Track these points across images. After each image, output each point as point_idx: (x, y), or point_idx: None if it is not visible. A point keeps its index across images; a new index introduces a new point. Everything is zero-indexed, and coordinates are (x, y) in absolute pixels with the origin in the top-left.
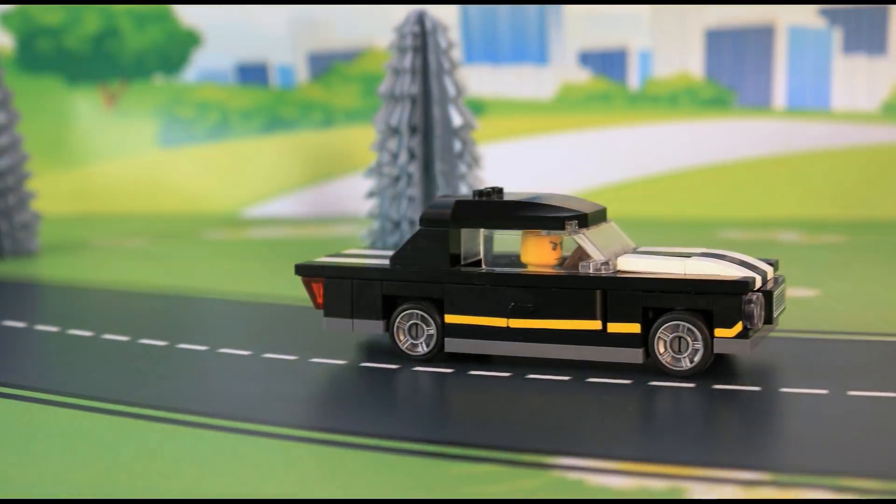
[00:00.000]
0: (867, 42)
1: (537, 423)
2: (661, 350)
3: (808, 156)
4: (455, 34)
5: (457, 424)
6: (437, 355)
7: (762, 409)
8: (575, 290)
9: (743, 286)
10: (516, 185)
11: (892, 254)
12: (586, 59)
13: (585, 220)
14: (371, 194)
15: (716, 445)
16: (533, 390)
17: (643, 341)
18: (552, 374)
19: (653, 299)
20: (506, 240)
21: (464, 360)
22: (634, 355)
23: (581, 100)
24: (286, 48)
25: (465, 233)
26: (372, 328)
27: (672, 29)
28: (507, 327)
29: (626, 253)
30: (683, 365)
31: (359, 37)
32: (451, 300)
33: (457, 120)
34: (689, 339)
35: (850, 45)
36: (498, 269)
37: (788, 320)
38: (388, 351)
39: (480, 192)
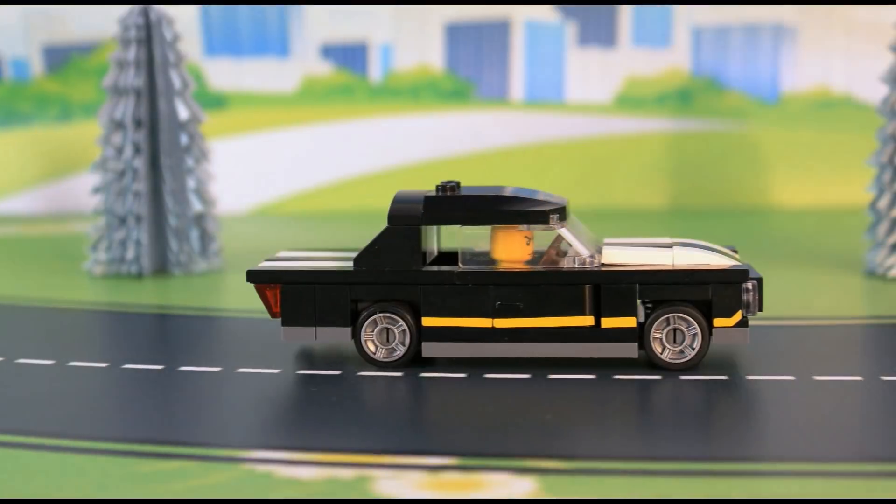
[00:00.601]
0: (599, 36)
1: (233, 417)
2: (657, 344)
3: (544, 146)
4: (194, 27)
5: (146, 423)
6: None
7: (453, 394)
8: (568, 286)
9: (743, 274)
10: (255, 180)
11: None
12: (328, 51)
13: (564, 213)
14: (97, 190)
15: (403, 433)
16: (241, 384)
17: (639, 336)
18: (263, 368)
19: (649, 292)
20: (455, 235)
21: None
22: (630, 350)
23: (323, 93)
24: (19, 40)
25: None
26: (338, 336)
27: (412, 22)
28: (492, 328)
29: (600, 246)
30: (682, 357)
31: (96, 29)
32: (429, 302)
33: (183, 114)
34: (685, 330)
35: (584, 39)
36: (482, 268)
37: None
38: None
39: (444, 187)
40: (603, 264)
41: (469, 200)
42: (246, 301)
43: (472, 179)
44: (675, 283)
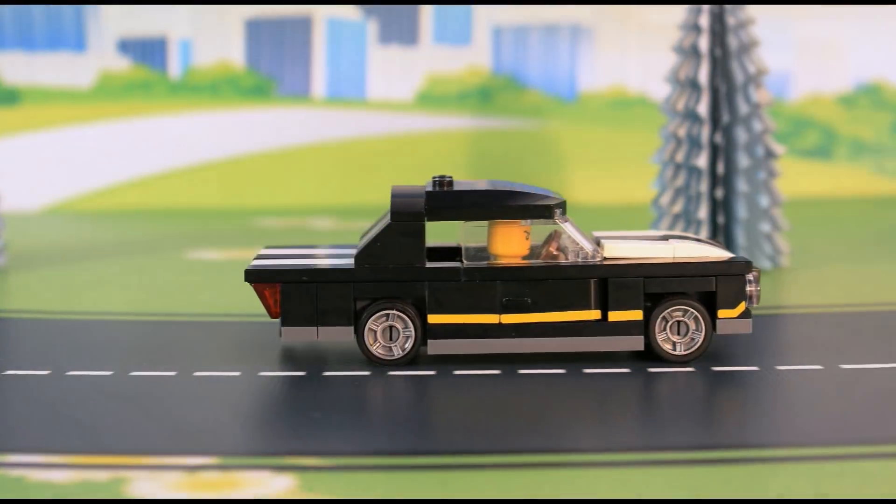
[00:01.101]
0: (401, 34)
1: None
2: (661, 336)
3: (346, 143)
4: None
5: None
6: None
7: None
8: (575, 280)
9: (746, 266)
10: (48, 178)
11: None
12: (126, 46)
13: (565, 208)
14: None
15: (155, 434)
16: (7, 386)
17: (644, 328)
18: (30, 370)
19: (655, 285)
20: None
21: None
22: (636, 343)
23: (121, 88)
24: None
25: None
26: (340, 335)
27: (211, 18)
28: (500, 323)
29: (597, 240)
30: (684, 350)
31: None
32: (436, 298)
33: None
34: (689, 322)
35: (385, 37)
36: (489, 264)
37: None
38: None
39: (441, 182)
40: (605, 258)
41: (473, 196)
42: (26, 301)
43: (270, 177)
44: (680, 275)
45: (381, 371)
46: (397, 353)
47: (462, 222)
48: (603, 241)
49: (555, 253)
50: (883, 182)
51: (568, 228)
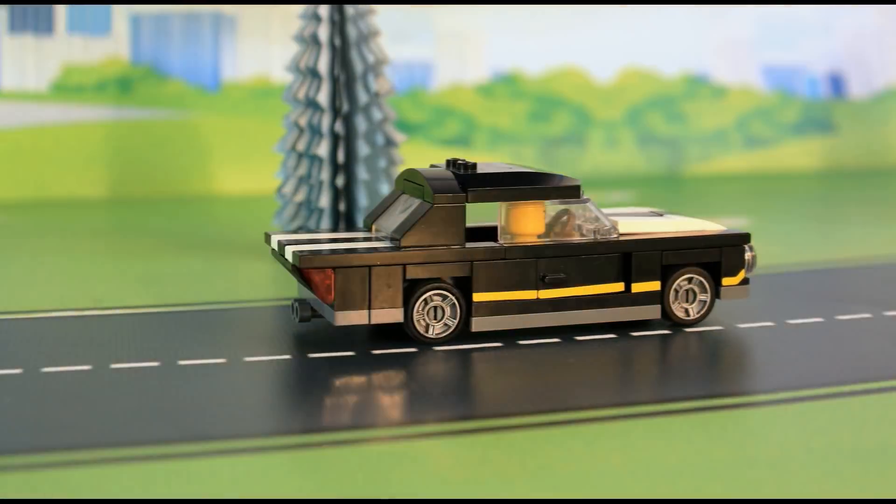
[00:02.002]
0: (34, 23)
1: None
2: (675, 304)
3: None
4: None
5: None
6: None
7: None
8: (603, 255)
9: (746, 238)
10: None
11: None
12: None
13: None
14: None
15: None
16: None
17: (661, 298)
18: None
19: (672, 257)
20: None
21: None
22: (654, 312)
23: None
24: None
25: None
26: (391, 317)
27: None
28: (537, 299)
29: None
30: (695, 314)
31: None
32: (480, 277)
33: None
34: (697, 290)
35: (16, 26)
36: (528, 242)
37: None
38: None
39: (455, 164)
40: (621, 234)
41: (511, 178)
42: None
43: None
44: (693, 247)
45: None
46: (442, 331)
47: (501, 203)
48: (620, 219)
49: (570, 231)
50: None
51: (592, 207)
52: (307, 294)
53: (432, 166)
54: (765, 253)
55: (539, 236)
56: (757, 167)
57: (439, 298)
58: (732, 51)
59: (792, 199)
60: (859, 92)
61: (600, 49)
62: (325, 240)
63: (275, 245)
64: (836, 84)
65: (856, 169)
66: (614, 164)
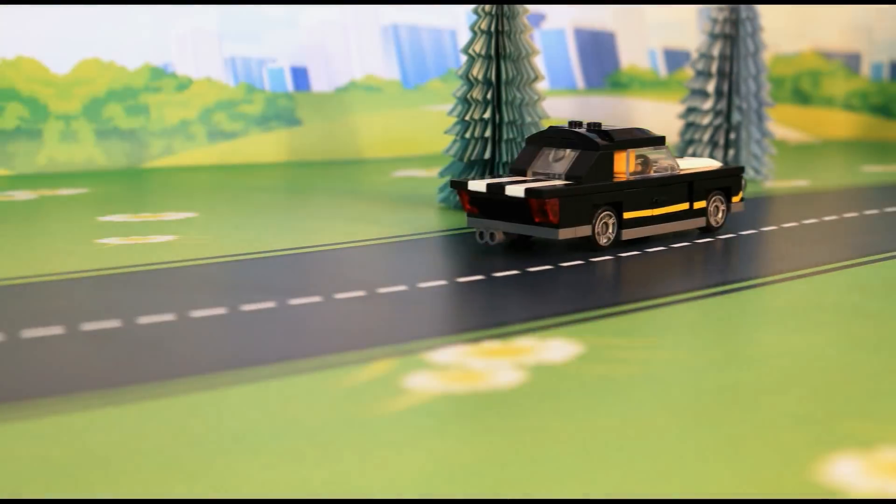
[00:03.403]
0: None
1: None
2: (712, 217)
3: None
4: None
5: None
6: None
7: None
8: (682, 184)
9: (742, 170)
10: None
11: None
12: None
13: None
14: None
15: None
16: None
17: (705, 212)
18: None
19: (710, 184)
20: None
21: None
22: (703, 222)
23: None
24: None
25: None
26: (584, 232)
27: None
28: (652, 215)
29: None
30: (720, 223)
31: None
32: (628, 202)
33: None
34: (720, 205)
35: None
36: (649, 176)
37: None
38: None
39: (579, 124)
40: (682, 170)
41: (635, 132)
42: None
43: None
44: (718, 177)
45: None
46: (607, 241)
47: (628, 150)
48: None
49: (651, 170)
50: None
51: (667, 152)
52: (491, 224)
53: (588, 124)
54: (218, 245)
55: (632, 174)
56: (222, 159)
57: (608, 217)
58: (196, 43)
59: (257, 190)
60: (322, 85)
61: (56, 41)
62: (516, 181)
63: (480, 188)
64: (300, 77)
65: (320, 160)
66: (72, 158)
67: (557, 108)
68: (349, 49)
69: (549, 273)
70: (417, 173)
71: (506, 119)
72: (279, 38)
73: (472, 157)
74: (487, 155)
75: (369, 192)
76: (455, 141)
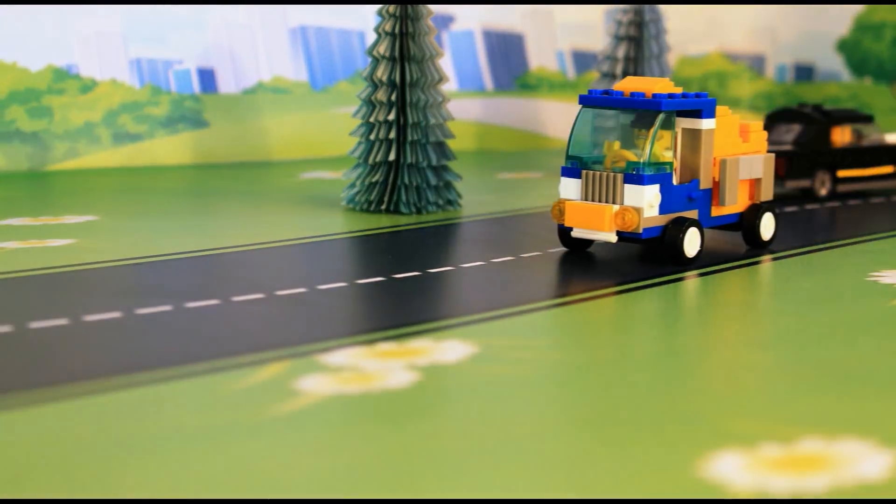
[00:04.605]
0: None
1: None
2: None
3: None
4: None
5: None
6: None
7: None
8: (888, 151)
9: None
10: None
11: None
12: None
13: None
14: None
15: None
16: None
17: None
18: None
19: None
20: None
21: None
22: None
23: None
24: None
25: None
26: (804, 184)
27: None
28: (861, 175)
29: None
30: None
31: None
32: (842, 163)
33: None
34: None
35: None
36: (859, 145)
37: None
38: None
39: (804, 104)
40: (888, 142)
41: (848, 112)
42: None
43: None
44: None
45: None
46: (822, 193)
47: (842, 124)
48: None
49: (865, 140)
50: None
51: (874, 128)
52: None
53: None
54: (116, 249)
55: (845, 143)
56: (128, 162)
57: (825, 174)
58: (101, 45)
59: (162, 193)
60: (229, 87)
61: None
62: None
63: None
64: (207, 79)
65: (228, 162)
66: None
67: (466, 110)
68: (257, 51)
69: (449, 275)
70: (325, 175)
71: (410, 121)
72: (185, 40)
73: (377, 159)
74: (392, 157)
75: (276, 194)
76: (360, 143)
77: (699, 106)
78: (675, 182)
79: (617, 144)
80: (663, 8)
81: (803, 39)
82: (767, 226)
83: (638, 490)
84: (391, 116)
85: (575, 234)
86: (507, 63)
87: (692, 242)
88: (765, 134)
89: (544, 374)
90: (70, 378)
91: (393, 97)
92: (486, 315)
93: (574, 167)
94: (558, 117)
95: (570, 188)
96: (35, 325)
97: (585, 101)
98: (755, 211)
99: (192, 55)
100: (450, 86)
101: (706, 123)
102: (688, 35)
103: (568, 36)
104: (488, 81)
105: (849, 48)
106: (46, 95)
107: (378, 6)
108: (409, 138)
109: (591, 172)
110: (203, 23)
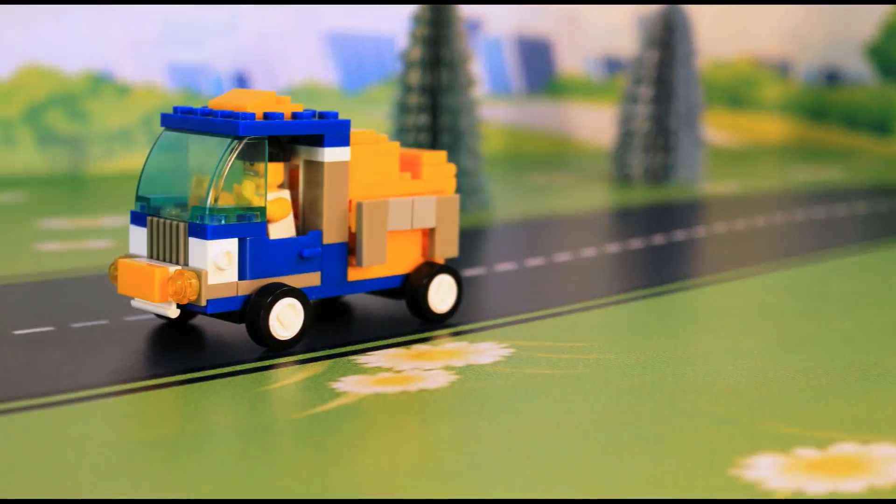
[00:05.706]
0: None
1: None
2: None
3: None
4: None
5: None
6: None
7: None
8: None
9: None
10: None
11: None
12: None
13: None
14: None
15: None
16: None
17: None
18: None
19: None
20: None
21: None
22: None
23: None
24: None
25: None
26: None
27: None
28: None
29: None
30: None
31: None
32: None
33: None
34: None
35: None
36: None
37: None
38: None
39: None
40: None
41: None
42: None
43: None
44: None
45: None
46: None
47: None
48: None
49: None
50: None
51: None
52: None
53: None
54: None
55: None
56: None
57: None
58: (137, 49)
59: None
60: (265, 89)
61: None
62: None
63: None
64: (242, 82)
65: None
66: (12, 164)
67: (494, 114)
68: (290, 54)
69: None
70: None
71: (442, 125)
72: (219, 44)
73: None
74: None
75: None
76: None
77: (320, 130)
78: (274, 235)
79: (206, 180)
80: (692, 10)
81: (830, 42)
82: (442, 293)
83: (676, 490)
84: (423, 120)
85: (134, 304)
86: (536, 67)
87: (284, 321)
88: (451, 168)
89: (580, 375)
90: (108, 381)
91: (425, 101)
92: (519, 317)
93: (143, 211)
94: (587, 121)
95: (138, 240)
96: (76, 325)
97: (168, 123)
98: (424, 272)
99: (225, 59)
100: (478, 90)
101: (331, 154)
102: (717, 38)
103: (597, 40)
104: (517, 85)
105: (877, 52)
106: (84, 100)
107: (411, 8)
108: (441, 142)
109: (155, 219)
110: (237, 27)
